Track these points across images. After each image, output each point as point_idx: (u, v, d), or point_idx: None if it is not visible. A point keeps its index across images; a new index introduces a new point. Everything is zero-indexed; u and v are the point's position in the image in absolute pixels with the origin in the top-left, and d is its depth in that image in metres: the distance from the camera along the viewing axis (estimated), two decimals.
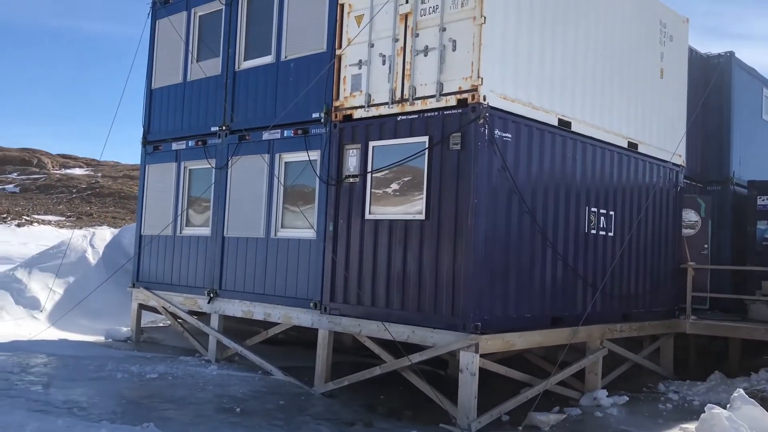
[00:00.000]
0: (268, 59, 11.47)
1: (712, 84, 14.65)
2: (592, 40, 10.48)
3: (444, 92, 8.83)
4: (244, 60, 11.95)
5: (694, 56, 14.79)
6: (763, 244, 14.53)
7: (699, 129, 14.98)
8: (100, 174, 72.07)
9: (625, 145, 11.24)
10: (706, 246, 14.33)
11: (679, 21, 12.92)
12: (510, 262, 9.00)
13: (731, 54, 15.71)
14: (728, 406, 8.60)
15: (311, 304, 10.15)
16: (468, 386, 8.22)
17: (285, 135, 10.98)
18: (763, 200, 14.66)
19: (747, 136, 16.17)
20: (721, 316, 13.27)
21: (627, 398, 10.14)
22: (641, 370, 11.96)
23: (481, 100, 8.50)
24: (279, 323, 10.92)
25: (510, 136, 9.01)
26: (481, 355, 8.39)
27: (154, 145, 13.59)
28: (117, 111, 27.94)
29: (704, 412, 8.19)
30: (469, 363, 8.25)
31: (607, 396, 9.99)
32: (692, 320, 12.37)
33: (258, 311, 11.10)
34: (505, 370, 9.19)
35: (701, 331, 12.47)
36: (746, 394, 9.08)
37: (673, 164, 12.49)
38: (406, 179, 9.22)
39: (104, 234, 18.08)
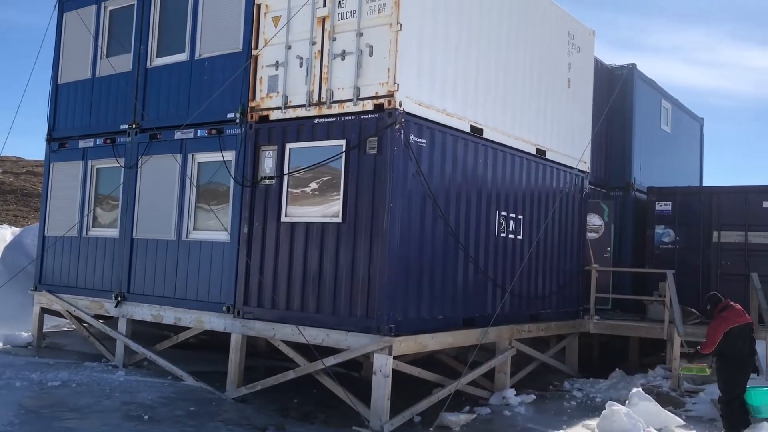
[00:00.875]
0: (181, 57, 11.21)
1: (615, 94, 15.38)
2: (504, 50, 10.81)
3: (361, 96, 8.90)
4: (157, 57, 11.63)
5: (599, 67, 15.49)
6: (661, 248, 15.39)
7: (603, 136, 15.72)
8: (0, 170, 68.33)
9: (534, 152, 11.65)
10: (609, 249, 15.05)
11: (586, 33, 13.50)
12: (424, 265, 9.17)
13: (633, 66, 16.56)
14: (627, 402, 9.08)
15: (224, 308, 10.00)
16: (381, 388, 8.31)
17: (198, 135, 10.77)
18: (660, 206, 15.52)
19: (647, 145, 17.08)
20: (622, 316, 13.97)
21: (534, 397, 10.52)
22: (548, 368, 12.42)
23: (397, 106, 8.62)
24: (190, 327, 10.70)
25: (425, 141, 9.18)
26: (395, 357, 8.51)
27: (59, 143, 13.02)
28: (20, 105, 26.58)
29: (605, 408, 8.62)
30: (383, 365, 8.35)
31: (516, 395, 10.33)
32: (596, 320, 12.95)
33: (168, 315, 10.83)
34: (418, 371, 9.35)
35: (604, 331, 13.08)
36: (643, 390, 9.63)
37: (579, 170, 13.04)
38: (324, 179, 9.23)
39: (4, 234, 17.22)
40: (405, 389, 9.42)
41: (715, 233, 14.83)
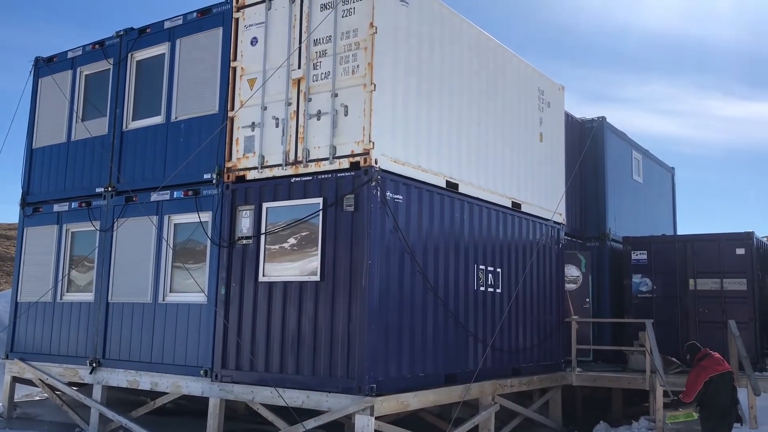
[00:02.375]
0: (157, 119, 11.28)
1: (587, 147, 15.71)
2: (476, 107, 11.04)
3: (337, 155, 8.99)
4: (133, 120, 11.69)
5: (570, 121, 15.86)
6: (639, 297, 15.49)
7: (577, 188, 15.98)
8: None
9: (510, 205, 11.78)
10: (587, 300, 15.11)
11: (556, 88, 13.85)
12: (404, 322, 9.11)
13: (603, 119, 16.97)
14: None
15: (201, 372, 9.81)
16: None
17: (175, 196, 10.75)
18: (636, 255, 15.68)
19: (620, 195, 17.37)
20: (603, 367, 13.93)
21: None
22: (532, 423, 12.28)
23: (373, 163, 8.71)
24: (167, 393, 10.45)
25: (401, 197, 9.25)
26: (377, 417, 8.37)
27: (34, 207, 12.90)
28: None
29: None
30: (365, 426, 8.20)
31: None
32: (578, 372, 12.90)
33: (144, 380, 10.59)
34: (401, 431, 9.18)
35: (586, 383, 13.01)
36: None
37: (555, 222, 13.18)
38: (303, 233, 9.22)
39: None
40: None
41: (691, 281, 14.98)
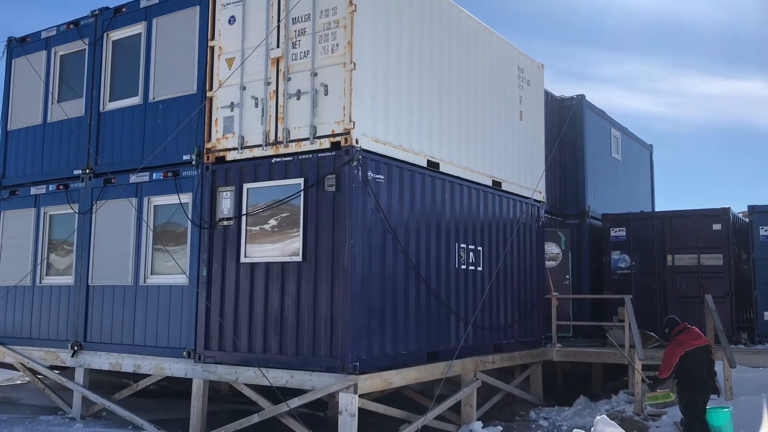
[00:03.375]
0: (135, 100, 11.14)
1: (566, 125, 15.78)
2: (456, 85, 11.03)
3: (318, 135, 8.95)
4: (110, 101, 11.54)
5: (549, 99, 15.91)
6: (618, 273, 15.69)
7: (556, 166, 16.07)
8: None
9: (490, 184, 11.83)
10: (567, 276, 15.28)
11: (535, 66, 13.86)
12: (386, 301, 9.16)
13: (582, 97, 17.03)
14: (592, 429, 9.12)
15: (184, 353, 9.81)
16: (348, 427, 8.21)
17: (154, 178, 10.66)
18: (615, 232, 15.86)
19: (599, 173, 17.51)
20: (583, 343, 14.13)
21: (501, 428, 10.51)
22: (514, 398, 12.45)
23: (354, 143, 8.69)
24: (150, 374, 10.45)
25: (383, 177, 9.25)
26: (360, 395, 8.44)
27: (10, 191, 12.73)
28: None
29: None
30: (348, 404, 8.27)
31: (483, 427, 10.31)
32: (558, 348, 13.08)
33: (127, 363, 10.57)
34: (384, 408, 9.28)
35: (567, 358, 13.20)
36: (608, 415, 9.68)
37: (535, 200, 13.26)
38: (283, 215, 9.21)
39: None
40: (372, 427, 9.32)
41: (669, 257, 15.20)
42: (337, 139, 8.79)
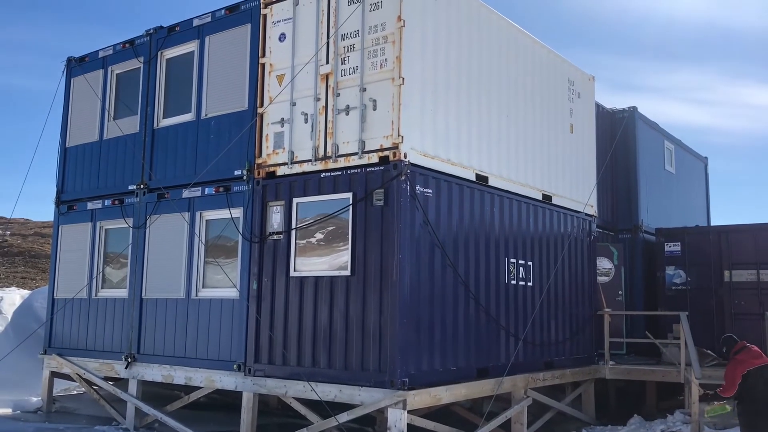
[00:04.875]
0: (188, 117, 11.39)
1: (618, 137, 15.50)
2: (505, 98, 10.94)
3: (366, 150, 8.99)
4: (164, 118, 11.82)
5: (600, 111, 15.66)
6: (672, 289, 15.26)
7: (608, 180, 15.77)
8: (8, 232, 68.60)
9: (540, 198, 11.67)
10: (620, 292, 14.93)
11: (586, 79, 13.67)
12: (435, 316, 9.10)
13: (634, 109, 16.71)
14: None
15: (235, 366, 9.90)
16: None
17: (206, 192, 10.85)
18: (670, 247, 15.44)
19: (652, 186, 17.11)
20: (637, 360, 13.76)
21: None
22: (565, 416, 12.18)
23: (402, 158, 8.69)
24: (201, 387, 10.58)
25: (431, 191, 9.22)
26: (409, 411, 8.38)
27: (68, 205, 13.13)
28: (29, 168, 26.79)
29: None
30: (397, 420, 8.21)
31: None
32: (611, 365, 12.76)
33: (179, 375, 10.73)
34: (434, 425, 9.18)
35: (620, 376, 12.87)
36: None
37: (586, 214, 13.03)
38: (329, 229, 9.25)
39: (13, 298, 17.19)
40: None
41: (727, 272, 14.70)
42: (386, 153, 8.80)
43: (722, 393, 8.63)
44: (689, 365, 11.36)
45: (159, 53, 11.97)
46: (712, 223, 20.32)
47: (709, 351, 12.73)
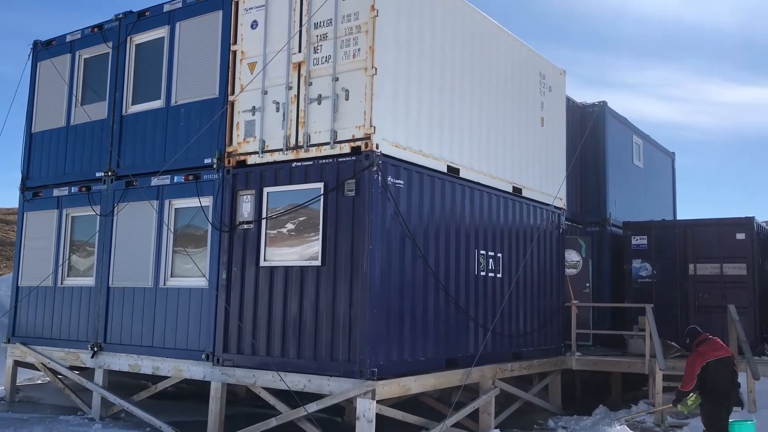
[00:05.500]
0: (157, 104, 11.23)
1: (588, 132, 15.66)
2: (477, 90, 10.99)
3: (338, 140, 8.96)
4: (132, 104, 11.63)
5: (571, 105, 15.80)
6: (639, 282, 15.52)
7: (578, 173, 15.94)
8: None
9: (510, 190, 11.76)
10: (587, 284, 15.14)
11: (557, 73, 13.78)
12: (405, 307, 9.13)
13: (604, 103, 16.91)
14: None
15: (203, 356, 9.84)
16: None
17: (175, 181, 10.72)
18: (636, 240, 15.69)
19: (621, 180, 17.35)
20: (603, 351, 13.98)
21: None
22: (532, 407, 12.33)
23: (374, 148, 8.68)
24: (168, 377, 10.49)
25: (402, 182, 9.23)
26: (378, 401, 8.41)
27: (33, 192, 12.88)
28: None
29: None
30: (366, 410, 8.24)
31: None
32: (578, 356, 12.95)
33: (146, 365, 10.62)
34: (402, 414, 9.23)
35: (586, 367, 13.06)
36: (627, 426, 9.58)
37: (555, 207, 13.16)
38: (301, 219, 9.21)
39: None
40: None
41: (691, 266, 15.01)
42: (358, 143, 8.79)
43: (682, 388, 8.81)
44: (654, 356, 11.58)
45: (128, 38, 11.77)
46: (679, 218, 20.66)
47: (673, 343, 12.98)
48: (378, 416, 8.38)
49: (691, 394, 8.79)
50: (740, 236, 14.63)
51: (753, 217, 14.86)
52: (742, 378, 9.76)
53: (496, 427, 10.52)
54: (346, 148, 8.90)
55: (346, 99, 8.93)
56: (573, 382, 14.22)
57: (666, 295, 15.03)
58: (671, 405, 9.38)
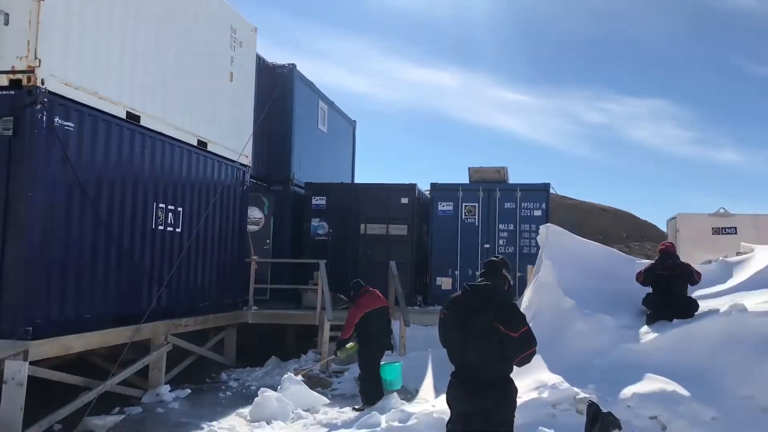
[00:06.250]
0: None
1: (276, 92, 15.93)
2: (164, 36, 10.47)
3: None
4: None
5: (262, 64, 15.90)
6: (316, 239, 16.43)
7: (265, 133, 16.17)
8: None
9: (195, 143, 11.50)
10: (268, 241, 15.58)
11: (249, 29, 13.72)
12: (70, 261, 8.45)
13: (293, 66, 17.32)
14: (279, 387, 9.51)
15: None
16: (14, 399, 7.42)
17: None
18: (316, 200, 16.56)
19: (306, 143, 18.04)
20: (280, 305, 14.57)
21: (189, 391, 10.42)
22: (207, 361, 12.39)
23: (39, 84, 7.81)
24: None
25: (73, 125, 8.45)
26: (35, 362, 7.71)
27: None
28: None
29: (258, 396, 8.91)
30: (16, 372, 7.48)
31: (170, 391, 10.11)
32: (254, 310, 13.31)
33: None
34: (60, 375, 8.57)
35: (261, 320, 13.50)
36: (295, 374, 10.17)
37: (241, 164, 13.22)
38: None
39: None
40: (51, 397, 8.55)
41: (362, 226, 16.31)
42: (18, 76, 7.82)
43: (342, 336, 9.62)
44: (324, 309, 12.42)
45: None
46: (356, 182, 22.22)
47: (342, 296, 14.00)
48: (35, 379, 7.68)
49: (351, 342, 9.63)
50: (404, 201, 16.28)
51: (415, 184, 16.64)
52: (395, 325, 10.96)
53: (167, 383, 10.36)
54: (3, 81, 7.85)
55: (6, 24, 7.84)
56: (250, 336, 14.60)
57: (340, 252, 16.15)
58: (335, 354, 10.16)
